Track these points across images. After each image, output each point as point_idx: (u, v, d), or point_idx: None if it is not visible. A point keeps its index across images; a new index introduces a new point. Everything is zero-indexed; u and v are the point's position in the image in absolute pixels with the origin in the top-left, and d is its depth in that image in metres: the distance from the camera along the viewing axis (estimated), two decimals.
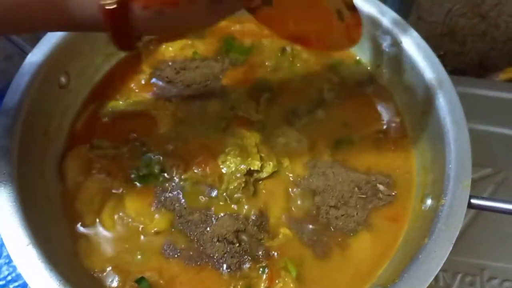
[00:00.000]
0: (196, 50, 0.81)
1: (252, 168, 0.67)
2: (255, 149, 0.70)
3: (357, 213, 0.66)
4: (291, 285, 0.61)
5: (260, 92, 0.77)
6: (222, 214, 0.65)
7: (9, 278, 0.88)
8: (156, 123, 0.74)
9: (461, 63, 1.20)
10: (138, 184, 0.68)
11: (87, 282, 0.60)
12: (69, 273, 0.55)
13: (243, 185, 0.66)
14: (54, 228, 0.63)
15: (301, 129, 0.74)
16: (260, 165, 0.68)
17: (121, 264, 0.62)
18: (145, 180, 0.68)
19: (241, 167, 0.68)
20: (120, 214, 0.66)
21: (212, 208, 0.66)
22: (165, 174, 0.69)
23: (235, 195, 0.66)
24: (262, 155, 0.69)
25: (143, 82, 0.78)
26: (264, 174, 0.68)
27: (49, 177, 0.67)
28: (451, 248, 0.56)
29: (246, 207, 0.66)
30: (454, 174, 0.62)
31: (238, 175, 0.67)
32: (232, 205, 0.66)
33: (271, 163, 0.69)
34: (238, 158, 0.68)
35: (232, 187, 0.66)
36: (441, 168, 0.64)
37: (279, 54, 0.82)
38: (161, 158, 0.70)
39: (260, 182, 0.69)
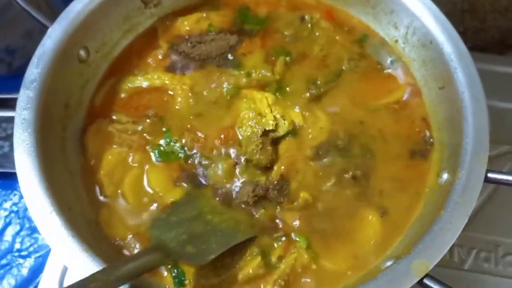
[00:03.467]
0: (211, 22, 0.81)
1: (267, 128, 0.68)
2: (268, 109, 0.70)
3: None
4: (305, 255, 0.63)
5: (277, 57, 0.77)
6: (242, 179, 0.66)
7: (31, 249, 0.91)
8: (173, 97, 0.75)
9: (481, 40, 1.17)
10: (158, 158, 0.69)
11: (108, 249, 0.62)
12: (90, 241, 0.57)
13: (260, 146, 0.67)
14: (74, 199, 0.65)
15: (319, 97, 0.74)
16: (274, 123, 0.68)
17: (141, 232, 0.64)
18: (166, 155, 0.70)
19: (256, 128, 0.68)
20: (140, 186, 0.67)
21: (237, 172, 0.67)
22: (185, 149, 0.70)
23: (254, 157, 0.67)
24: (277, 115, 0.70)
25: (160, 57, 0.79)
26: (280, 133, 0.69)
27: (70, 149, 0.69)
28: (466, 220, 0.56)
29: (266, 171, 0.67)
30: (472, 148, 0.62)
31: (255, 138, 0.68)
32: (253, 169, 0.67)
33: (286, 121, 0.69)
34: (253, 121, 0.69)
35: (250, 149, 0.67)
36: (459, 142, 0.63)
37: (298, 23, 0.82)
38: (180, 132, 0.71)
39: (280, 144, 0.69)
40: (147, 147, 0.70)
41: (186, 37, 0.80)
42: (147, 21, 0.82)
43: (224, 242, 0.61)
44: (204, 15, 0.82)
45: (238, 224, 0.64)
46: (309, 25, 0.81)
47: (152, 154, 0.70)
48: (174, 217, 0.63)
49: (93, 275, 0.49)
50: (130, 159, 0.69)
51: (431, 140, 0.71)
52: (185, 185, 0.67)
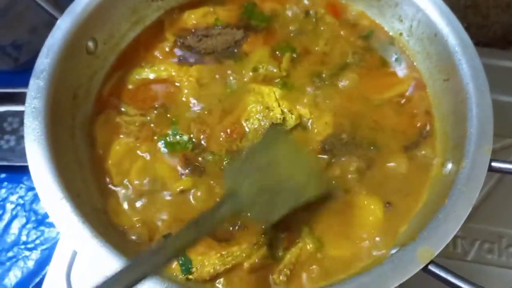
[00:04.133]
0: (218, 17, 0.82)
1: (274, 122, 0.69)
2: (276, 103, 0.71)
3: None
4: (310, 245, 0.63)
5: (283, 53, 0.78)
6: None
7: (37, 241, 0.92)
8: (180, 89, 0.75)
9: (484, 36, 1.18)
10: (165, 148, 0.70)
11: (116, 237, 0.63)
12: (98, 228, 0.57)
13: None
14: (83, 187, 0.65)
15: (323, 90, 0.75)
16: (281, 117, 0.70)
17: (148, 221, 0.65)
18: (172, 146, 0.70)
19: (264, 121, 0.69)
20: (148, 175, 0.68)
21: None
22: (192, 139, 0.70)
23: None
24: (284, 109, 0.71)
25: (167, 49, 0.80)
26: (287, 127, 0.70)
27: (78, 139, 0.70)
28: (470, 209, 0.57)
29: None
30: (476, 138, 0.62)
31: (262, 131, 0.69)
32: None
33: (293, 115, 0.70)
34: (261, 114, 0.70)
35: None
36: (463, 133, 0.64)
37: (303, 18, 0.83)
38: (187, 124, 0.72)
39: None
40: (154, 137, 0.71)
41: (193, 31, 0.81)
42: (154, 13, 0.83)
43: (292, 199, 0.60)
44: (211, 9, 0.83)
45: (309, 179, 0.63)
46: (314, 20, 0.82)
47: (159, 144, 0.70)
48: (247, 164, 0.62)
49: (180, 230, 0.52)
50: (137, 150, 0.70)
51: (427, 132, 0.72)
52: (190, 175, 0.68)
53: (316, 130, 0.71)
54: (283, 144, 0.65)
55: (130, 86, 0.76)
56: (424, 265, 0.54)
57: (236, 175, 0.60)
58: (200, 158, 0.69)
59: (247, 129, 0.70)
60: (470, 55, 0.69)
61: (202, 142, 0.70)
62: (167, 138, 0.71)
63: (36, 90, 0.63)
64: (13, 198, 0.96)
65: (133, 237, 0.63)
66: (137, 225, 0.64)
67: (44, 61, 0.65)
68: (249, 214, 0.59)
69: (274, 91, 0.72)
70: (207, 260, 0.61)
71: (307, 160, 0.66)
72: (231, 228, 0.64)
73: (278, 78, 0.75)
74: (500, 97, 0.93)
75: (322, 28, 0.81)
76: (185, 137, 0.70)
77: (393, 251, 0.59)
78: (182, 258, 0.61)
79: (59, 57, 0.67)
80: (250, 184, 0.59)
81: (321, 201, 0.65)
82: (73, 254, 0.77)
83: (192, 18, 0.82)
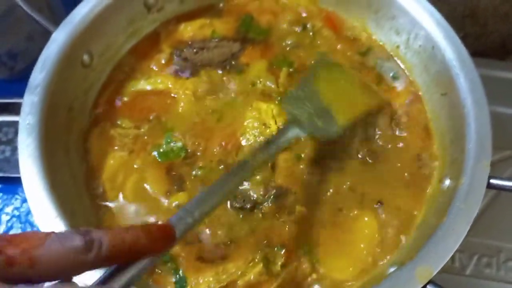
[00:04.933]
0: (215, 29, 0.82)
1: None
2: (273, 120, 0.71)
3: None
4: (306, 264, 0.63)
5: (280, 67, 0.77)
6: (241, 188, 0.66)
7: None
8: (176, 102, 0.75)
9: (482, 46, 1.18)
10: (159, 159, 0.70)
11: None
12: None
13: None
14: (78, 203, 0.65)
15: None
16: None
17: None
18: (166, 155, 0.70)
19: (260, 138, 0.69)
20: (143, 189, 0.68)
21: None
22: (187, 152, 0.70)
23: None
24: (281, 127, 0.70)
25: (163, 61, 0.79)
26: None
27: (73, 153, 0.69)
28: (469, 226, 0.56)
29: (265, 180, 0.67)
30: (474, 154, 0.62)
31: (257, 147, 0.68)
32: (253, 178, 0.67)
33: None
34: (257, 130, 0.70)
35: None
36: (461, 148, 0.64)
37: (300, 31, 0.82)
38: (182, 137, 0.71)
39: (280, 154, 0.69)
40: (148, 149, 0.71)
41: (189, 43, 0.80)
42: (150, 25, 0.82)
43: (349, 113, 0.67)
44: (208, 21, 0.82)
45: (357, 95, 0.71)
46: (311, 33, 0.82)
47: (153, 154, 0.70)
48: (301, 92, 0.67)
49: (253, 152, 0.57)
50: (131, 163, 0.70)
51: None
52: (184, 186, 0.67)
53: (310, 147, 0.70)
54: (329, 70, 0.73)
55: (126, 98, 0.76)
56: (423, 284, 0.53)
57: (294, 103, 0.66)
58: (190, 170, 0.69)
59: (243, 143, 0.70)
60: (468, 69, 0.68)
61: (197, 155, 0.70)
62: (161, 148, 0.70)
63: (30, 105, 0.63)
64: (8, 209, 0.95)
65: None
66: None
67: (39, 76, 0.65)
68: (314, 132, 0.63)
69: (272, 108, 0.72)
70: (201, 277, 0.61)
71: (351, 79, 0.73)
72: (223, 246, 0.64)
73: (276, 94, 0.74)
74: (498, 108, 0.93)
75: (318, 42, 0.81)
76: (179, 143, 0.70)
77: (391, 270, 0.59)
78: (177, 276, 0.61)
79: (54, 71, 0.66)
80: (307, 107, 0.64)
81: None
82: None
83: (189, 30, 0.82)
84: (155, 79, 0.77)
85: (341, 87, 0.70)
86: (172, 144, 0.70)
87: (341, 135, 0.67)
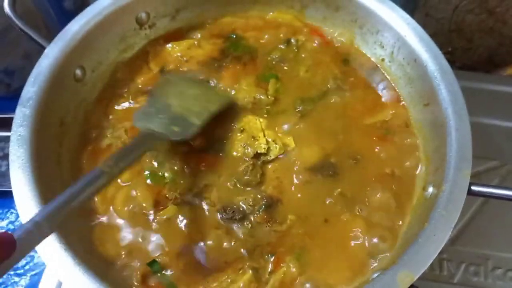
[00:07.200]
0: (202, 49, 0.83)
1: (259, 151, 0.70)
2: (261, 133, 0.73)
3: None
4: (294, 270, 0.63)
5: (267, 81, 0.79)
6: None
7: (27, 267, 0.91)
8: None
9: (469, 59, 1.20)
10: (149, 180, 0.70)
11: (102, 265, 0.63)
12: (83, 256, 0.58)
13: (251, 168, 0.69)
14: (69, 216, 0.65)
15: (306, 116, 0.76)
16: (266, 147, 0.71)
17: (134, 250, 0.65)
18: (156, 179, 0.70)
19: (248, 150, 0.71)
20: (133, 204, 0.68)
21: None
22: (175, 169, 0.71)
23: (244, 178, 0.69)
24: (269, 139, 0.72)
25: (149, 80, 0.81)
26: (271, 157, 0.71)
27: (65, 166, 0.70)
28: (450, 232, 0.57)
29: (255, 191, 0.69)
30: (455, 162, 0.63)
31: (246, 158, 0.70)
32: (242, 189, 0.69)
33: (277, 145, 0.71)
34: (246, 143, 0.71)
35: (241, 170, 0.69)
36: (443, 157, 0.65)
37: (284, 46, 0.84)
38: (171, 156, 0.72)
39: (269, 166, 0.71)
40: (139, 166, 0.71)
41: (176, 62, 0.82)
42: (142, 41, 0.84)
43: (203, 114, 0.71)
44: (195, 42, 0.84)
45: (210, 98, 0.76)
46: (295, 48, 0.84)
47: (144, 173, 0.71)
48: (151, 108, 0.72)
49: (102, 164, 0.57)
50: (121, 178, 0.70)
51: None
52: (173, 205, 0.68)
53: (299, 158, 0.72)
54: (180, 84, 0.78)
55: (116, 114, 0.77)
56: None
57: (145, 119, 0.69)
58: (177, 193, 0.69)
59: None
60: (449, 80, 0.70)
61: (185, 170, 0.71)
62: (152, 168, 0.71)
63: (22, 118, 0.64)
64: (3, 223, 0.96)
65: (119, 266, 0.63)
66: (122, 253, 0.64)
67: (31, 90, 0.67)
68: (169, 138, 0.67)
69: (260, 121, 0.74)
70: (191, 285, 0.62)
71: (202, 87, 0.79)
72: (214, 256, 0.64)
73: (267, 105, 0.76)
74: (484, 120, 0.95)
75: (303, 55, 0.83)
76: (169, 174, 0.71)
77: (375, 275, 0.59)
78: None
79: (46, 85, 0.68)
80: (160, 119, 0.69)
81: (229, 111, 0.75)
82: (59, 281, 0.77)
83: (176, 50, 0.83)
84: (142, 98, 0.78)
85: (191, 96, 0.75)
86: (163, 173, 0.71)
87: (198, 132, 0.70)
